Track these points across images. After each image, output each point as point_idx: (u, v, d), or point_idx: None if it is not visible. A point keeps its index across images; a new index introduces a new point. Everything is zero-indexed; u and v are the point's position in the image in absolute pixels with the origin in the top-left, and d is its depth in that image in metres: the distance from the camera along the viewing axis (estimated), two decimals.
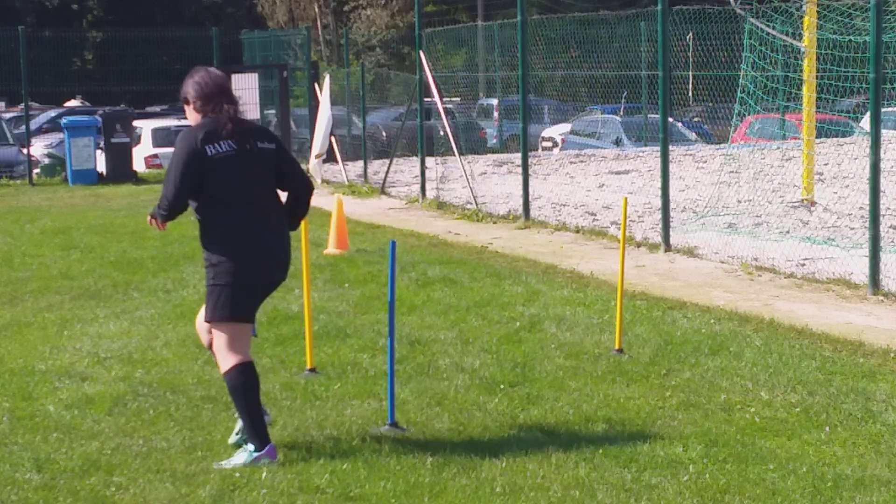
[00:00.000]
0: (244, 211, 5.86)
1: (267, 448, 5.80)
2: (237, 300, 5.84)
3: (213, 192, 5.84)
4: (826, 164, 17.14)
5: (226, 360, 5.84)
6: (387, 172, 20.30)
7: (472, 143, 23.21)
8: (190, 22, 47.43)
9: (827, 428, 6.28)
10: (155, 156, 25.31)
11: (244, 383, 5.80)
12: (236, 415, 5.99)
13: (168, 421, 6.55)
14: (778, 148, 17.40)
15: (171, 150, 6.24)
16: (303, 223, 6.52)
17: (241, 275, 5.82)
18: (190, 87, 5.98)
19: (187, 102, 6.02)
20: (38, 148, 25.73)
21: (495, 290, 10.28)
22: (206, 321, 5.99)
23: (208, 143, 5.82)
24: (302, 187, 6.14)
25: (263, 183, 5.97)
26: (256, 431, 5.80)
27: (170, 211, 5.90)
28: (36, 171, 23.87)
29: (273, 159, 6.00)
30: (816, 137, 15.15)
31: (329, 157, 21.39)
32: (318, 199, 14.94)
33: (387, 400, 6.39)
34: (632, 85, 20.51)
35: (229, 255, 5.82)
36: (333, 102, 20.53)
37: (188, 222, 18.09)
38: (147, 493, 5.46)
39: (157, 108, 35.50)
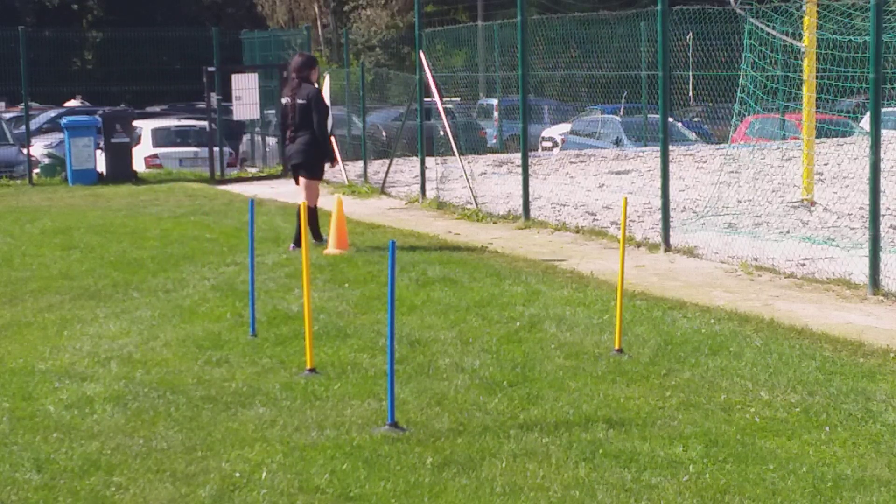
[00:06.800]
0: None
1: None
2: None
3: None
4: (826, 164, 17.14)
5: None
6: (387, 172, 20.29)
7: (472, 143, 23.20)
8: (190, 22, 47.49)
9: (827, 428, 6.28)
10: (155, 156, 25.20)
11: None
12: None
13: (168, 421, 6.55)
14: (778, 148, 17.40)
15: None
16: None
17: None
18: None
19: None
20: (38, 148, 25.71)
21: (495, 290, 10.28)
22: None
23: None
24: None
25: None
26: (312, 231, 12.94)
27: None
28: (36, 171, 23.84)
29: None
30: (816, 137, 15.15)
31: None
32: (318, 199, 14.84)
33: (387, 400, 6.39)
34: (632, 85, 20.49)
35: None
36: (333, 102, 20.55)
37: (188, 222, 17.78)
38: (147, 493, 5.46)
39: (157, 108, 35.48)
